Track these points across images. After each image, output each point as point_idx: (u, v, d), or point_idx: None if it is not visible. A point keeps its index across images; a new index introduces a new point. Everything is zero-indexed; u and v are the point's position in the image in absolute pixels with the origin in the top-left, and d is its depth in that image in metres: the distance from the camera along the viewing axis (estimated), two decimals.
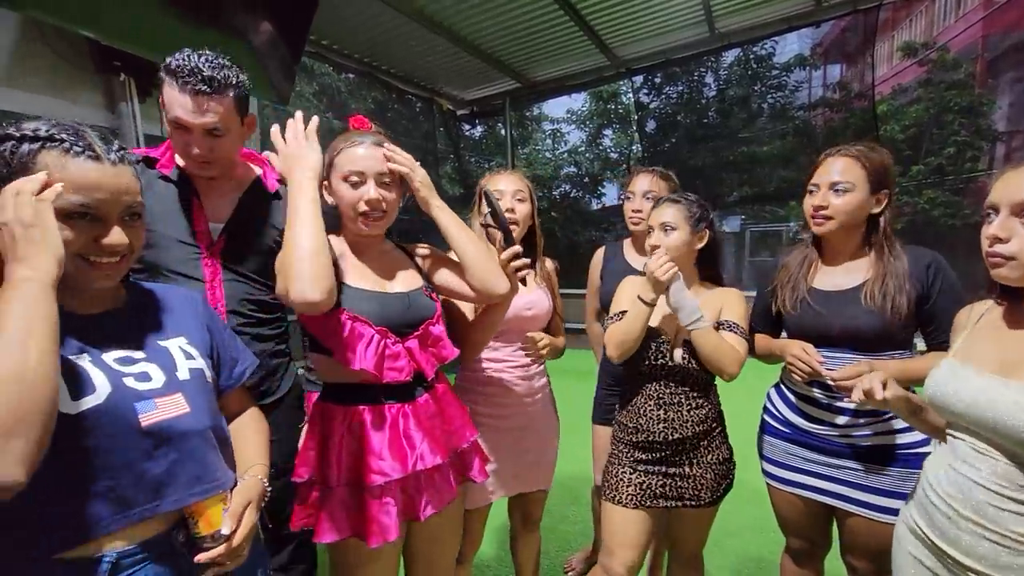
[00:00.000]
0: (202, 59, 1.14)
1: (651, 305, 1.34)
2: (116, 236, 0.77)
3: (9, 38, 2.00)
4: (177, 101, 1.13)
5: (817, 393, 1.33)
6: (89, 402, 0.72)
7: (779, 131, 9.35)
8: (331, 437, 1.11)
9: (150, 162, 1.26)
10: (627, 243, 1.91)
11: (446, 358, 1.25)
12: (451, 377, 1.54)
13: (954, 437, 0.90)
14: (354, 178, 1.12)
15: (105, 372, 0.75)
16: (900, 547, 1.00)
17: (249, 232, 1.32)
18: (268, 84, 2.84)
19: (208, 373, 0.89)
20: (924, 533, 0.91)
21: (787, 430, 1.41)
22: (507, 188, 1.53)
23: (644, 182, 1.79)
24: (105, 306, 0.84)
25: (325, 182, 1.17)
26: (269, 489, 0.93)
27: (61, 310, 0.75)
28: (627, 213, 1.81)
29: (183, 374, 0.84)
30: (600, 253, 1.95)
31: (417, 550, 1.27)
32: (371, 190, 1.12)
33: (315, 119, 1.14)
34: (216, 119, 1.16)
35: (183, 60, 1.12)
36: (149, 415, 0.77)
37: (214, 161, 1.22)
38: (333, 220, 1.15)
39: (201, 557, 0.79)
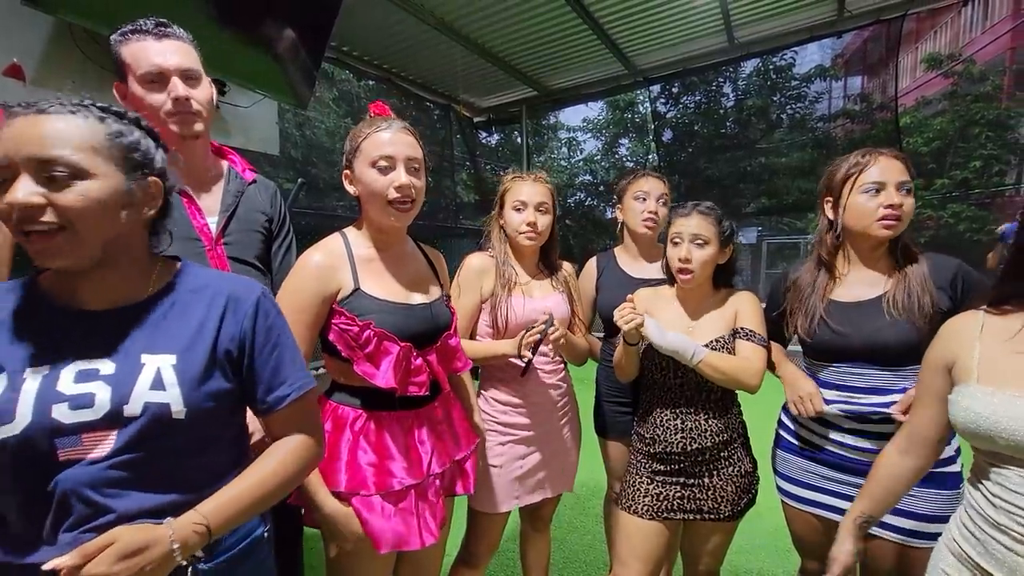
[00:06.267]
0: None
1: (632, 345, 1.37)
2: (14, 193, 0.64)
3: (40, 40, 2.05)
4: (149, 50, 1.11)
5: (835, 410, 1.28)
6: (5, 432, 0.65)
7: (798, 142, 9.26)
8: (343, 441, 1.09)
9: None
10: (618, 251, 1.86)
11: (460, 370, 1.25)
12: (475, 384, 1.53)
13: (999, 467, 0.85)
14: (383, 163, 1.08)
15: (36, 397, 0.67)
16: (934, 566, 0.95)
17: (241, 221, 1.31)
18: (288, 88, 2.88)
19: (178, 407, 0.72)
20: (975, 562, 0.87)
21: (803, 446, 1.36)
22: (530, 200, 1.48)
23: (658, 185, 1.74)
24: (119, 299, 0.75)
25: (348, 170, 1.14)
26: (175, 550, 0.69)
27: (57, 303, 0.73)
28: (640, 214, 1.72)
29: (133, 408, 0.70)
30: (592, 264, 1.87)
31: (405, 551, 1.25)
32: (401, 175, 1.08)
33: None
34: (191, 61, 1.16)
35: (137, 21, 1.12)
36: (68, 451, 0.67)
37: (197, 111, 1.17)
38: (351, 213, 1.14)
39: None
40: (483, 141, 8.39)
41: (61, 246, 0.68)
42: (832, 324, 1.28)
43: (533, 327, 1.35)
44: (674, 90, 9.76)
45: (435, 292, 1.22)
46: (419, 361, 1.11)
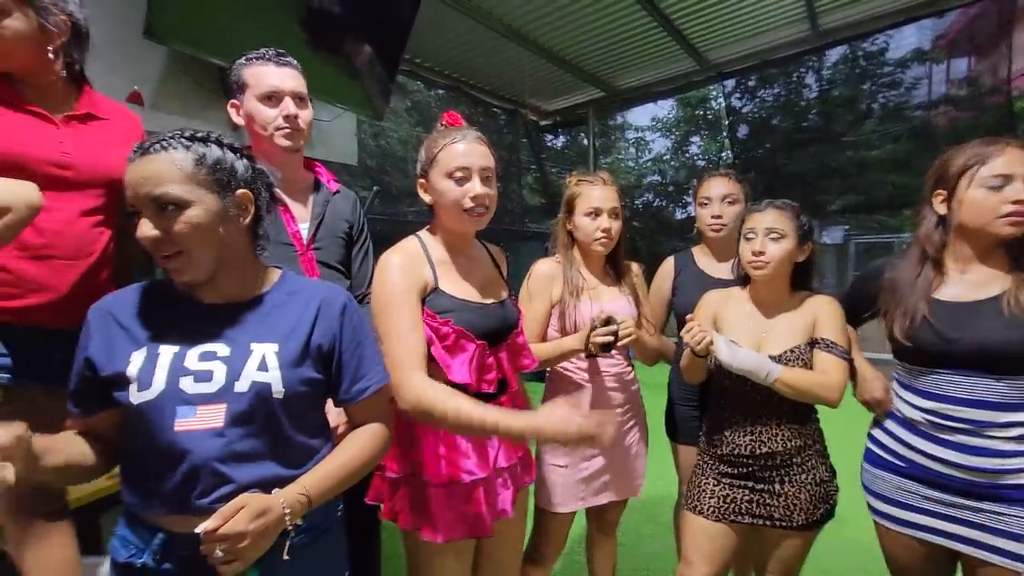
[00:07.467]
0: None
1: (701, 357, 1.32)
2: (141, 229, 0.78)
3: (156, 67, 2.31)
4: (268, 74, 1.31)
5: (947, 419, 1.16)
6: (143, 396, 0.78)
7: (892, 133, 8.49)
8: (420, 434, 1.15)
9: None
10: (696, 250, 1.81)
11: (527, 367, 1.29)
12: (540, 387, 1.55)
13: None
14: (459, 174, 1.12)
15: (169, 370, 0.80)
16: None
17: (328, 228, 1.43)
18: (366, 102, 3.05)
19: (278, 388, 0.83)
20: None
21: (900, 462, 1.25)
22: (604, 206, 1.47)
23: (721, 185, 1.68)
24: (229, 296, 0.88)
25: (423, 180, 1.19)
26: (287, 514, 0.79)
27: (190, 298, 0.87)
28: (704, 220, 1.70)
29: (242, 385, 0.81)
30: (670, 263, 1.83)
31: (485, 548, 1.28)
32: (477, 185, 1.13)
33: None
34: (301, 87, 1.35)
35: (260, 50, 1.32)
36: (185, 421, 0.79)
37: (302, 129, 1.35)
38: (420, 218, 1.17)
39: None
40: (549, 144, 8.40)
41: (181, 267, 0.81)
42: (936, 326, 1.17)
43: (593, 322, 1.35)
44: (750, 84, 9.28)
45: (503, 292, 1.28)
46: (491, 359, 1.16)
